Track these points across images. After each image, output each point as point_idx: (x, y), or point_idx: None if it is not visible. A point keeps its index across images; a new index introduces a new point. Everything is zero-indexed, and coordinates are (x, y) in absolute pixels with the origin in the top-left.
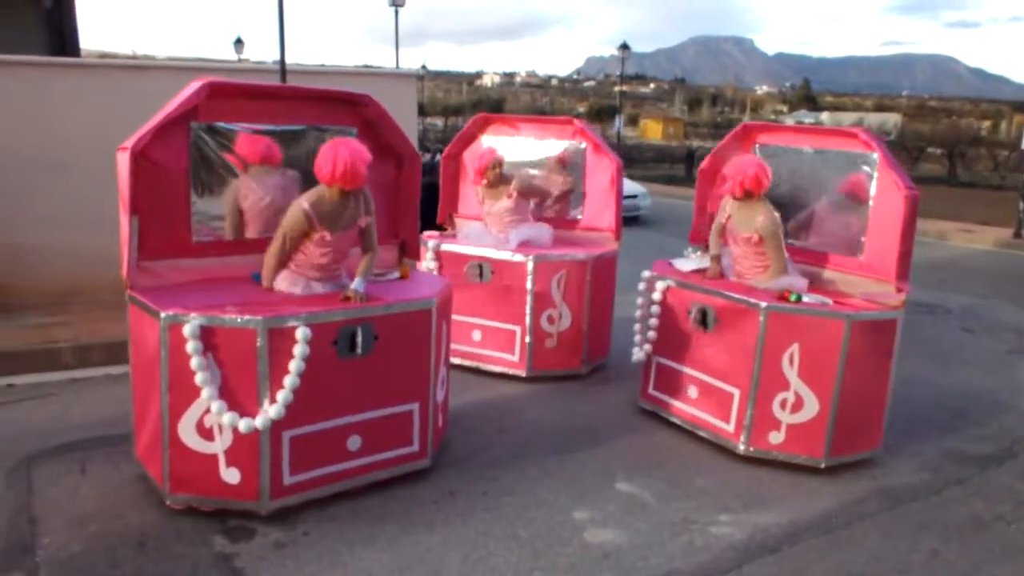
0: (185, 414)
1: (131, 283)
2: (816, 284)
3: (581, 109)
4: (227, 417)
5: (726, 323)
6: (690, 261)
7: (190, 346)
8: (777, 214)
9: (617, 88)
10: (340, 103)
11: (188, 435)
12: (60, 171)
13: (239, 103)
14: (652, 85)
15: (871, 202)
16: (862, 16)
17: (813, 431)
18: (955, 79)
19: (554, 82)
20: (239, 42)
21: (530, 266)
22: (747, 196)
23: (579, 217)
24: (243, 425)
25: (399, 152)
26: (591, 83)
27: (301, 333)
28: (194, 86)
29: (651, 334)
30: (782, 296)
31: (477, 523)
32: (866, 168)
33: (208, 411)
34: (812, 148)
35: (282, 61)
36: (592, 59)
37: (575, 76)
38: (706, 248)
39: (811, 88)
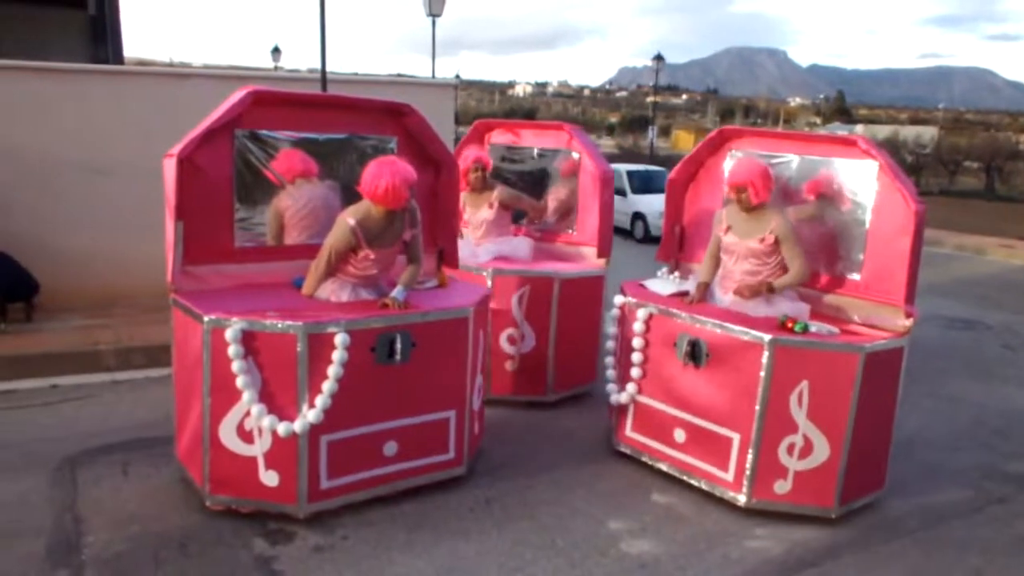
0: (226, 417)
1: (175, 287)
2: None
3: (613, 120)
4: (267, 420)
5: (722, 358)
6: (666, 283)
7: (232, 350)
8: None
9: (650, 99)
10: (382, 113)
11: (228, 437)
12: (101, 176)
13: (282, 111)
14: (684, 96)
15: (869, 215)
16: (900, 29)
17: (823, 477)
18: (992, 92)
19: (586, 92)
20: (276, 50)
21: (488, 281)
22: (763, 202)
23: (571, 231)
24: (282, 429)
25: (438, 161)
26: (623, 93)
27: (340, 339)
28: (239, 94)
29: (635, 371)
30: (784, 326)
31: (513, 532)
32: (867, 179)
33: (248, 414)
34: (800, 156)
35: (323, 70)
36: (624, 69)
37: (607, 86)
38: (676, 267)
39: (845, 100)
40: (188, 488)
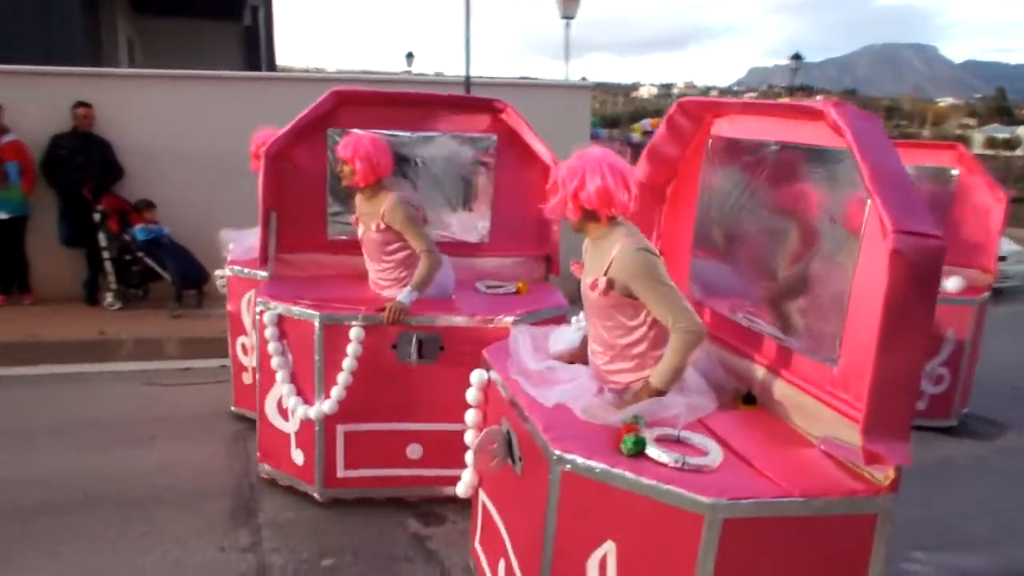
0: (269, 393)
1: (270, 272)
2: (752, 401)
3: None
4: (292, 401)
5: (529, 468)
6: (577, 332)
7: (267, 332)
8: (649, 246)
9: (782, 100)
10: (477, 110)
11: (271, 412)
12: (245, 174)
13: (378, 110)
14: (819, 97)
15: (856, 253)
16: None
17: None
18: None
19: (713, 93)
20: (410, 55)
21: None
22: (592, 217)
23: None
24: (300, 412)
25: (544, 161)
26: (753, 94)
27: (354, 332)
28: (325, 94)
29: (470, 457)
30: (620, 436)
31: None
32: (851, 184)
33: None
34: (776, 142)
35: (467, 74)
36: (755, 70)
37: (735, 87)
38: None
39: (1007, 98)
40: None
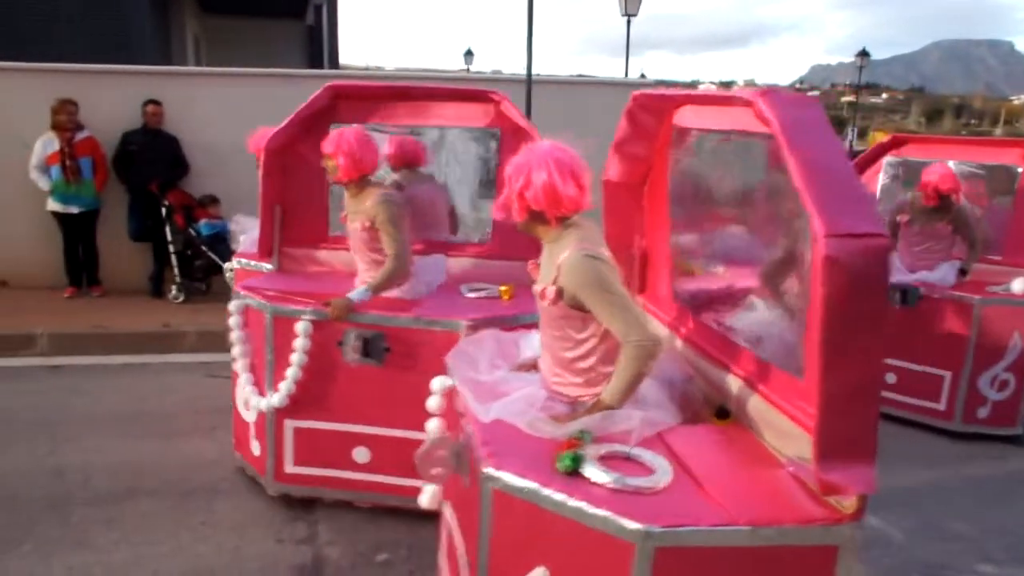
0: (238, 382)
1: (275, 266)
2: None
3: None
4: (247, 391)
5: (472, 484)
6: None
7: (231, 320)
8: (607, 253)
9: (845, 99)
10: (476, 102)
11: (239, 401)
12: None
13: (379, 105)
14: (885, 95)
15: (811, 255)
16: None
17: None
18: None
19: None
20: (469, 53)
21: None
22: (540, 218)
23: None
24: (253, 403)
25: None
26: (815, 92)
27: (301, 326)
28: (320, 89)
29: (435, 471)
30: (561, 450)
31: None
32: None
33: None
34: (735, 131)
35: (528, 74)
36: (817, 67)
37: (798, 85)
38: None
39: None
40: None
